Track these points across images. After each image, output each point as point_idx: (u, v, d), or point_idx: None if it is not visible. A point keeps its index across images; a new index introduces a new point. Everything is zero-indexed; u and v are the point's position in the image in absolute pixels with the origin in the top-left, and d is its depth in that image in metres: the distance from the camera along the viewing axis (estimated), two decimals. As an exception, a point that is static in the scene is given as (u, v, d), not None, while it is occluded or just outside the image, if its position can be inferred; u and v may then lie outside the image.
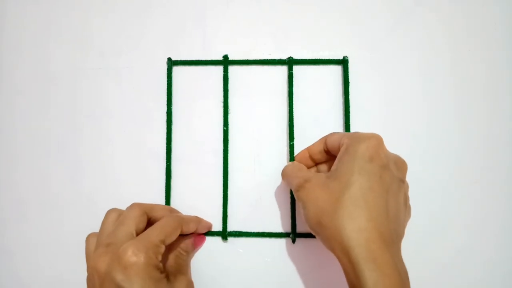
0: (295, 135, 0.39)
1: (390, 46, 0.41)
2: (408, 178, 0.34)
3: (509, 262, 0.37)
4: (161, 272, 0.29)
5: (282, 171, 0.36)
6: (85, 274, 0.31)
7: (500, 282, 0.37)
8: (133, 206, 0.33)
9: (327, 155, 0.35)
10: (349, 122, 0.39)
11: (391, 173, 0.29)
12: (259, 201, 0.39)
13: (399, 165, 0.30)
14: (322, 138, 0.35)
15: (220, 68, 0.41)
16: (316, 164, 0.36)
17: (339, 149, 0.31)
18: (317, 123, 0.40)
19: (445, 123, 0.39)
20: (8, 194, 0.41)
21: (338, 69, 0.40)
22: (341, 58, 0.40)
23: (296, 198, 0.32)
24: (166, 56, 0.41)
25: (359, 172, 0.27)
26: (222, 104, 0.40)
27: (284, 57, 0.41)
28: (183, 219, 0.33)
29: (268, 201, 0.39)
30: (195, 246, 0.36)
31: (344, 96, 0.39)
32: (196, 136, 0.40)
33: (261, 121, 0.40)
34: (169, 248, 0.33)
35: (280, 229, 0.38)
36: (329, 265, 0.37)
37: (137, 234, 0.31)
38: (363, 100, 0.39)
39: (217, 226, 0.39)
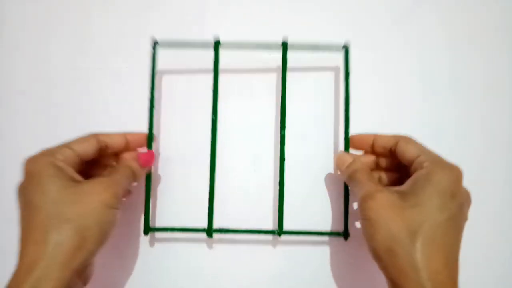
0: (292, 131, 0.38)
1: (390, 46, 0.41)
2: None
3: (509, 262, 0.37)
4: (60, 170, 0.28)
5: (344, 160, 0.34)
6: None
7: (500, 282, 0.37)
8: (87, 133, 0.33)
9: (391, 157, 0.33)
10: (348, 119, 0.38)
11: (464, 215, 0.28)
12: (259, 201, 0.39)
13: (469, 202, 0.29)
14: (395, 136, 0.32)
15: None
16: (377, 167, 0.34)
17: (410, 163, 0.30)
18: (315, 118, 0.40)
19: (445, 123, 0.39)
20: (8, 194, 0.41)
21: (336, 62, 0.40)
22: (341, 61, 0.39)
23: (361, 207, 0.29)
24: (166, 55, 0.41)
25: (440, 208, 0.26)
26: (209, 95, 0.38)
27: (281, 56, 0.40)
28: (101, 134, 0.33)
29: (268, 201, 0.39)
30: (140, 160, 0.34)
31: (345, 91, 0.38)
32: (189, 130, 0.40)
33: (255, 115, 0.40)
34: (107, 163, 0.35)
35: (268, 224, 0.38)
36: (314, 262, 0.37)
37: (81, 157, 0.31)
38: (362, 99, 0.39)
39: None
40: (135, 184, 0.36)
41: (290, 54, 0.39)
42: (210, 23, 0.42)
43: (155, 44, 0.39)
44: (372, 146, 0.34)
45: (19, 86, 0.42)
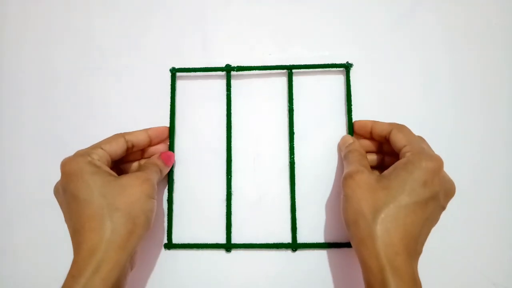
0: (296, 137, 0.39)
1: (390, 46, 0.41)
2: None
3: (510, 262, 0.37)
4: (99, 168, 0.31)
5: (345, 141, 0.37)
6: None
7: (501, 282, 0.37)
8: (114, 134, 0.36)
9: (387, 143, 0.35)
10: (351, 127, 0.39)
11: (438, 202, 0.30)
12: (258, 201, 0.39)
13: (448, 193, 0.31)
14: (391, 124, 0.35)
15: (221, 74, 0.41)
16: (376, 151, 0.37)
17: (399, 151, 0.32)
18: (319, 125, 0.40)
19: (445, 123, 0.39)
20: (9, 194, 0.40)
21: (340, 70, 0.41)
22: (342, 61, 0.40)
23: (342, 183, 0.33)
24: (167, 56, 0.41)
25: (409, 193, 0.29)
26: (221, 108, 0.40)
27: (284, 57, 0.41)
28: (125, 132, 0.36)
29: (268, 202, 0.39)
30: (162, 159, 0.37)
31: (346, 102, 0.39)
32: (198, 139, 0.40)
33: (262, 124, 0.40)
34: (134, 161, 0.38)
35: (280, 232, 0.38)
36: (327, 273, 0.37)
37: (112, 156, 0.34)
38: (363, 100, 0.40)
39: (220, 235, 0.38)
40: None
41: (299, 54, 0.41)
42: (210, 24, 0.42)
43: (174, 73, 0.40)
44: (370, 133, 0.37)
45: (20, 86, 0.42)
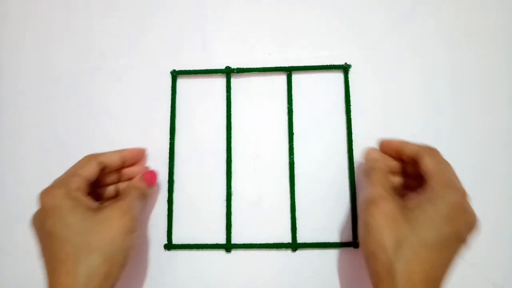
0: (296, 138, 0.39)
1: (390, 47, 0.41)
2: None
3: (509, 262, 0.37)
4: (77, 201, 0.30)
5: (371, 155, 0.34)
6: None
7: (500, 283, 0.37)
8: (85, 156, 0.34)
9: (411, 165, 0.33)
10: (350, 127, 0.39)
11: (460, 238, 0.28)
12: (258, 202, 0.39)
13: (470, 227, 0.29)
14: (420, 146, 0.32)
15: (221, 75, 0.41)
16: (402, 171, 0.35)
17: (427, 177, 0.30)
18: (318, 125, 0.40)
19: (445, 124, 0.39)
20: (9, 194, 0.40)
21: (339, 71, 0.41)
22: (341, 61, 0.40)
23: (363, 208, 0.30)
24: (166, 56, 0.41)
25: (432, 229, 0.27)
26: (221, 109, 0.40)
27: (284, 57, 0.41)
28: (95, 153, 0.35)
29: (268, 202, 0.39)
30: (145, 180, 0.36)
31: (345, 102, 0.40)
32: (198, 140, 0.40)
33: (262, 124, 0.40)
34: (112, 185, 0.37)
35: (280, 232, 0.38)
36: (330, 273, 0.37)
37: (87, 180, 0.32)
38: (363, 100, 0.40)
39: (220, 235, 0.38)
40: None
41: (298, 55, 0.41)
42: (210, 24, 0.42)
43: (175, 75, 0.40)
44: (398, 153, 0.34)
45: (19, 86, 0.42)
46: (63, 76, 0.42)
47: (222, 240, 0.38)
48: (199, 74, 0.41)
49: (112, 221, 0.30)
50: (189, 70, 0.40)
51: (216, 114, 0.40)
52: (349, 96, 0.39)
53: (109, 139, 0.40)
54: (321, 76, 0.41)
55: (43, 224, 0.30)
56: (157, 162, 0.40)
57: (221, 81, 0.41)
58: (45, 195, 0.31)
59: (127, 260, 0.30)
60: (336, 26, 0.42)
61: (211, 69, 0.40)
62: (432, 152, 0.32)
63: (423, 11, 0.41)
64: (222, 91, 0.40)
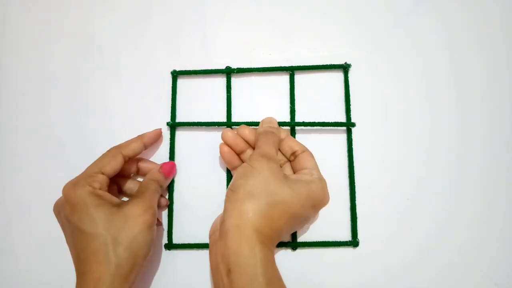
0: (296, 137, 0.39)
1: (390, 46, 0.41)
2: (409, 179, 0.37)
3: (510, 262, 0.37)
4: (101, 199, 0.32)
5: (271, 121, 0.37)
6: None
7: (503, 282, 0.37)
8: (111, 150, 0.36)
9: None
10: (351, 130, 0.39)
11: (307, 219, 0.35)
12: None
13: (316, 205, 0.34)
14: (302, 146, 0.36)
15: (221, 75, 0.41)
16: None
17: (302, 168, 0.35)
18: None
19: (446, 123, 0.39)
20: (8, 194, 0.40)
21: (339, 70, 0.41)
22: (342, 61, 0.40)
23: (253, 158, 0.33)
24: (167, 56, 0.42)
25: (299, 203, 0.32)
26: (221, 109, 0.40)
27: (284, 57, 0.41)
28: (120, 145, 0.36)
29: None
30: (163, 172, 0.37)
31: (345, 102, 0.40)
32: (198, 140, 0.40)
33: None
34: (131, 177, 0.39)
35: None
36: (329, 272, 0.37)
37: (111, 176, 0.35)
38: (363, 100, 0.40)
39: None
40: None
41: (299, 54, 0.41)
42: (210, 24, 0.42)
43: (175, 76, 0.41)
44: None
45: (19, 86, 0.42)
46: (62, 75, 0.42)
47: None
48: (199, 74, 0.41)
49: (135, 218, 0.32)
50: (190, 71, 0.41)
51: (217, 115, 0.40)
52: (349, 96, 0.39)
53: (109, 139, 0.40)
54: (321, 75, 0.41)
55: (69, 218, 0.32)
56: (157, 161, 0.40)
57: (221, 81, 0.41)
58: (70, 190, 0.32)
59: (149, 251, 0.33)
60: (337, 26, 0.42)
61: (212, 69, 0.40)
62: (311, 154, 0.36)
63: (424, 10, 0.41)
64: (223, 91, 0.41)
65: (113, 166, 0.34)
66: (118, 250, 0.30)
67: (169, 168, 0.38)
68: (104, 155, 0.35)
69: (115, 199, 0.33)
